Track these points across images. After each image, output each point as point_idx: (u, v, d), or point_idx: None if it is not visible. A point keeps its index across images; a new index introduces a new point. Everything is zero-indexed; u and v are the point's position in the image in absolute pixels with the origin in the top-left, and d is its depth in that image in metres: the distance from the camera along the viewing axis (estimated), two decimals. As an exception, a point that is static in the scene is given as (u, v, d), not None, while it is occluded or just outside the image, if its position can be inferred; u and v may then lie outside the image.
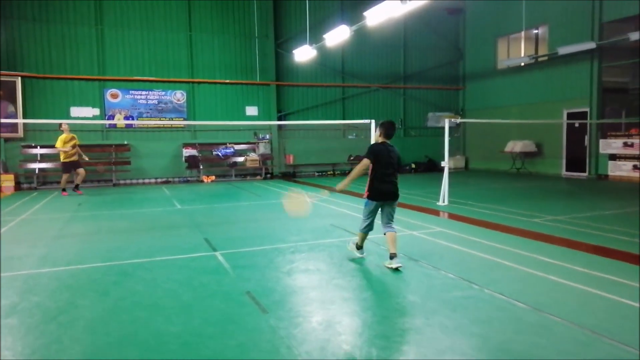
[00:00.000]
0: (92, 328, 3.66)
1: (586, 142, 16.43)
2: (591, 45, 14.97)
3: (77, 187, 13.04)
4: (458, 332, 3.46)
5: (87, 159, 13.19)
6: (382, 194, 5.33)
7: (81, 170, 12.85)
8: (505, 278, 4.78)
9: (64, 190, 12.85)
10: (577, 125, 16.54)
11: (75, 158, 12.65)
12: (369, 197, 5.36)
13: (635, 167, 14.81)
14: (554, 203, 10.51)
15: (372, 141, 5.47)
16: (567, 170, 17.08)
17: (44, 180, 15.85)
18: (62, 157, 12.56)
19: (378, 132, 5.41)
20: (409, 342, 3.32)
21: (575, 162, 16.73)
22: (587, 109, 16.18)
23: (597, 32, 15.55)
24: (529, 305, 3.97)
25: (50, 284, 4.80)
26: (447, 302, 4.10)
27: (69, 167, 12.68)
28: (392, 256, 5.18)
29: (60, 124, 12.72)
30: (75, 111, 16.07)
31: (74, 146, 12.56)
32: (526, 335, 3.41)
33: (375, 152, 5.28)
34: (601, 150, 15.93)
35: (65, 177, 12.84)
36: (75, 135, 12.76)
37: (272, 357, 3.12)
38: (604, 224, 7.57)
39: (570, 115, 16.77)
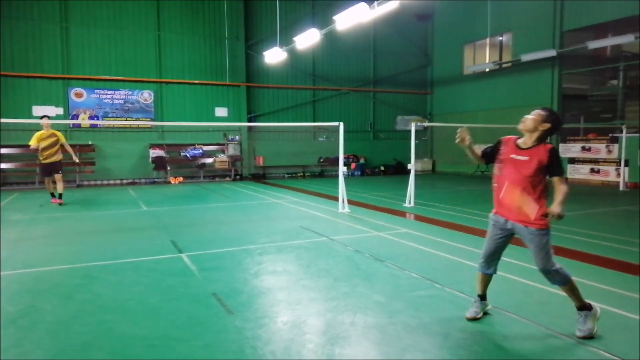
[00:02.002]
0: (54, 332, 3.60)
1: (547, 147, 17.01)
2: (552, 52, 15.55)
3: (59, 196, 10.75)
4: (420, 330, 3.57)
5: (77, 160, 11.32)
6: None
7: (58, 176, 10.61)
8: (467, 278, 4.93)
9: (52, 195, 10.99)
10: (539, 130, 17.07)
11: (55, 159, 10.49)
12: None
13: (592, 171, 15.44)
14: (516, 205, 10.84)
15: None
16: (529, 173, 17.63)
17: (4, 181, 15.32)
18: (39, 157, 10.62)
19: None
20: (372, 341, 3.41)
21: (537, 165, 17.27)
22: (548, 115, 16.75)
23: (558, 41, 16.16)
24: (489, 304, 4.12)
25: (10, 287, 4.67)
26: (411, 301, 4.21)
27: (46, 170, 10.65)
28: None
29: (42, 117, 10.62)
30: (37, 110, 15.61)
31: (53, 145, 10.43)
32: (486, 333, 3.54)
33: None
34: (561, 154, 16.52)
35: (45, 181, 11.06)
36: (58, 132, 10.63)
37: (237, 357, 3.15)
38: (562, 225, 7.87)
39: (533, 121, 17.33)
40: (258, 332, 3.53)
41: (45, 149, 10.40)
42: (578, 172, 15.94)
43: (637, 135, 14.55)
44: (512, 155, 3.59)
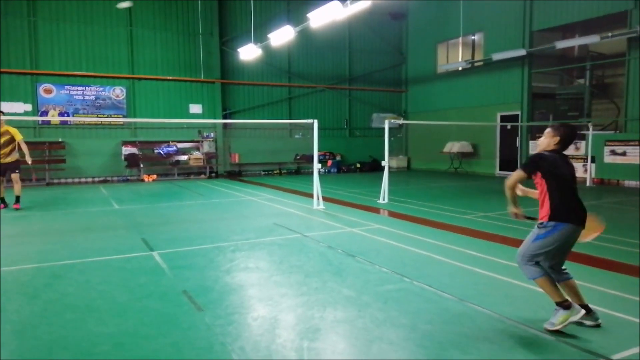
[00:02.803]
0: (19, 332, 3.54)
1: (517, 144, 17.42)
2: (522, 52, 15.90)
3: (16, 199, 9.74)
4: (387, 323, 3.64)
5: (29, 161, 9.83)
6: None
7: (15, 176, 9.61)
8: (435, 272, 5.04)
9: (1, 201, 9.80)
10: (509, 127, 17.49)
11: (9, 159, 9.52)
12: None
13: (561, 168, 15.83)
14: (487, 201, 11.10)
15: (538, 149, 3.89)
16: (500, 169, 18.03)
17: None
18: None
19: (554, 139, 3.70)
20: (340, 334, 3.46)
21: (508, 162, 17.69)
22: (519, 113, 17.17)
23: (528, 40, 16.53)
24: (455, 296, 4.23)
25: (-26, 288, 4.56)
26: (379, 295, 4.29)
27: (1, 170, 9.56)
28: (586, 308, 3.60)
29: None
30: (4, 106, 15.11)
31: (8, 143, 9.47)
32: (451, 324, 3.63)
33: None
34: (531, 151, 16.92)
35: None
36: (12, 129, 9.53)
37: (206, 354, 3.16)
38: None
39: (504, 118, 17.73)
40: (228, 329, 3.55)
41: None
42: (547, 169, 16.32)
43: (603, 132, 15.03)
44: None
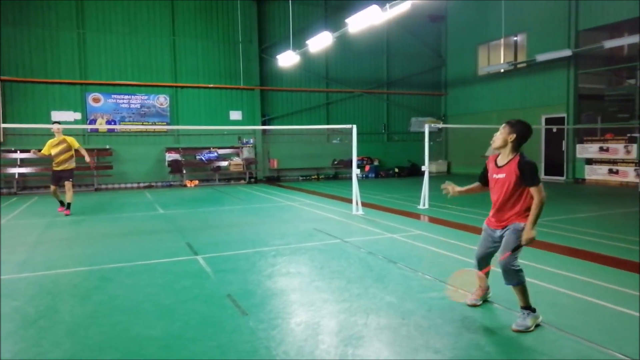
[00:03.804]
0: (72, 332, 3.68)
1: (564, 147, 16.82)
2: (567, 52, 15.37)
3: (67, 205, 10.09)
4: (432, 331, 3.58)
5: (88, 160, 10.35)
6: None
7: (68, 184, 10.03)
8: (480, 279, 4.91)
9: (61, 204, 10.34)
10: (554, 130, 16.91)
11: (65, 167, 9.99)
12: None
13: (610, 171, 15.21)
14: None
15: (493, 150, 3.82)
16: (545, 174, 17.44)
17: (24, 185, 15.65)
18: (52, 164, 10.20)
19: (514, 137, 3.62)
20: (384, 341, 3.42)
21: (553, 166, 17.10)
22: (565, 115, 16.57)
23: (574, 40, 15.97)
24: (501, 305, 4.11)
25: (30, 289, 4.79)
26: (423, 302, 4.21)
27: (54, 177, 10.15)
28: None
29: (53, 124, 10.47)
30: (56, 115, 15.91)
31: (64, 151, 9.96)
32: (497, 334, 3.53)
33: None
34: (578, 155, 16.32)
35: (51, 188, 10.32)
36: (68, 138, 10.06)
37: (250, 357, 3.19)
38: (577, 227, 7.79)
39: (548, 121, 17.16)
40: (271, 333, 3.57)
41: (56, 155, 9.99)
42: (596, 173, 15.71)
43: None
44: (494, 175, 3.75)
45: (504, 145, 3.66)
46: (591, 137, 16.19)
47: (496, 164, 3.76)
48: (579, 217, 8.92)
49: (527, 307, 3.62)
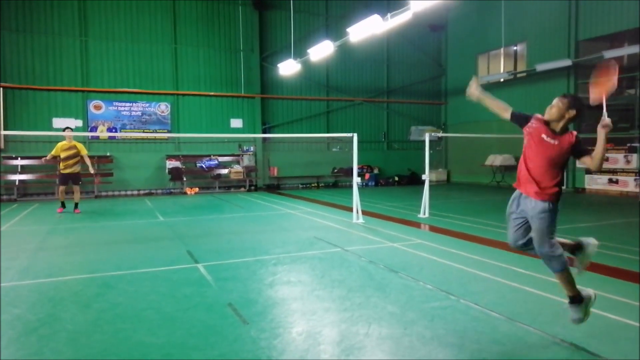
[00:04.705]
0: (73, 340, 3.67)
1: (564, 157, 16.82)
2: (567, 62, 15.46)
3: (75, 205, 11.41)
4: (435, 341, 3.57)
5: (92, 171, 11.84)
6: None
7: (76, 187, 11.32)
8: (481, 289, 4.91)
9: (62, 205, 11.58)
10: (555, 140, 16.91)
11: (73, 170, 11.15)
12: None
13: (610, 181, 15.22)
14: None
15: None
16: (545, 183, 17.42)
17: (25, 192, 15.65)
18: (59, 167, 11.31)
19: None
20: (386, 352, 3.42)
21: (554, 176, 17.07)
22: (565, 124, 16.59)
23: (573, 50, 16.06)
24: (503, 315, 4.11)
25: (31, 296, 4.78)
26: (425, 312, 4.21)
27: (64, 179, 11.27)
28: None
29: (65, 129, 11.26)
30: (57, 122, 15.95)
31: (74, 156, 11.11)
32: (500, 344, 3.52)
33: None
34: (578, 165, 16.34)
35: (59, 189, 11.65)
36: (78, 144, 11.28)
37: (253, 367, 3.18)
38: (578, 237, 7.77)
39: (549, 130, 17.18)
40: (273, 342, 3.57)
41: (65, 159, 11.02)
42: (596, 183, 15.73)
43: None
44: (543, 135, 3.59)
45: (559, 120, 3.54)
46: (591, 147, 16.15)
47: (549, 127, 3.59)
48: (581, 227, 8.92)
49: (575, 298, 3.55)
